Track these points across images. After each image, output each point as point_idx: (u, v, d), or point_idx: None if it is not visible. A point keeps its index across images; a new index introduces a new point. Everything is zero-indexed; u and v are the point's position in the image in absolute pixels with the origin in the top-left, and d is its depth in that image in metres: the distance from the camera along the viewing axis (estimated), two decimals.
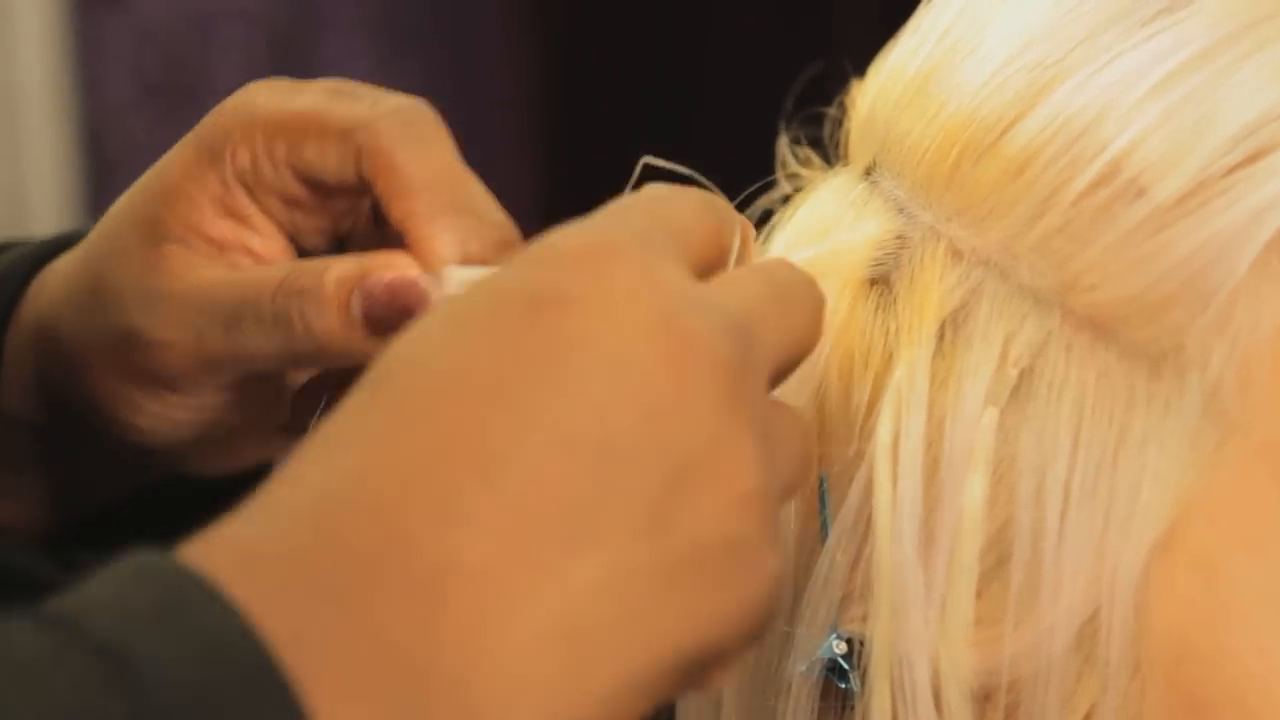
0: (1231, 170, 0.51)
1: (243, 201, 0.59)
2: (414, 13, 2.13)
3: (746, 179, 0.63)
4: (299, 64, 1.98)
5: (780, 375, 0.50)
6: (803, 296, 0.51)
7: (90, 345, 0.61)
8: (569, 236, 0.47)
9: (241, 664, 0.41)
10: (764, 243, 0.61)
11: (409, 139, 0.56)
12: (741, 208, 0.60)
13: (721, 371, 0.45)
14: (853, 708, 0.55)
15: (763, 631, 0.47)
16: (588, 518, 0.43)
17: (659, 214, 0.49)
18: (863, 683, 0.55)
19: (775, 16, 1.82)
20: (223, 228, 0.59)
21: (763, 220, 0.62)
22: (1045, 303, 0.53)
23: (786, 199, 0.63)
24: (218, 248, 0.59)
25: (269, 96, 0.59)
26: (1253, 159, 0.52)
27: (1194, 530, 0.51)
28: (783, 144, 0.63)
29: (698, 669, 0.45)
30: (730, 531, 0.45)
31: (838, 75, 0.63)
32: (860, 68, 0.62)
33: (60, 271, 0.64)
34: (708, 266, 0.50)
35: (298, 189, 0.59)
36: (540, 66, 2.09)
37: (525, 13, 2.10)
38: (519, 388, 0.44)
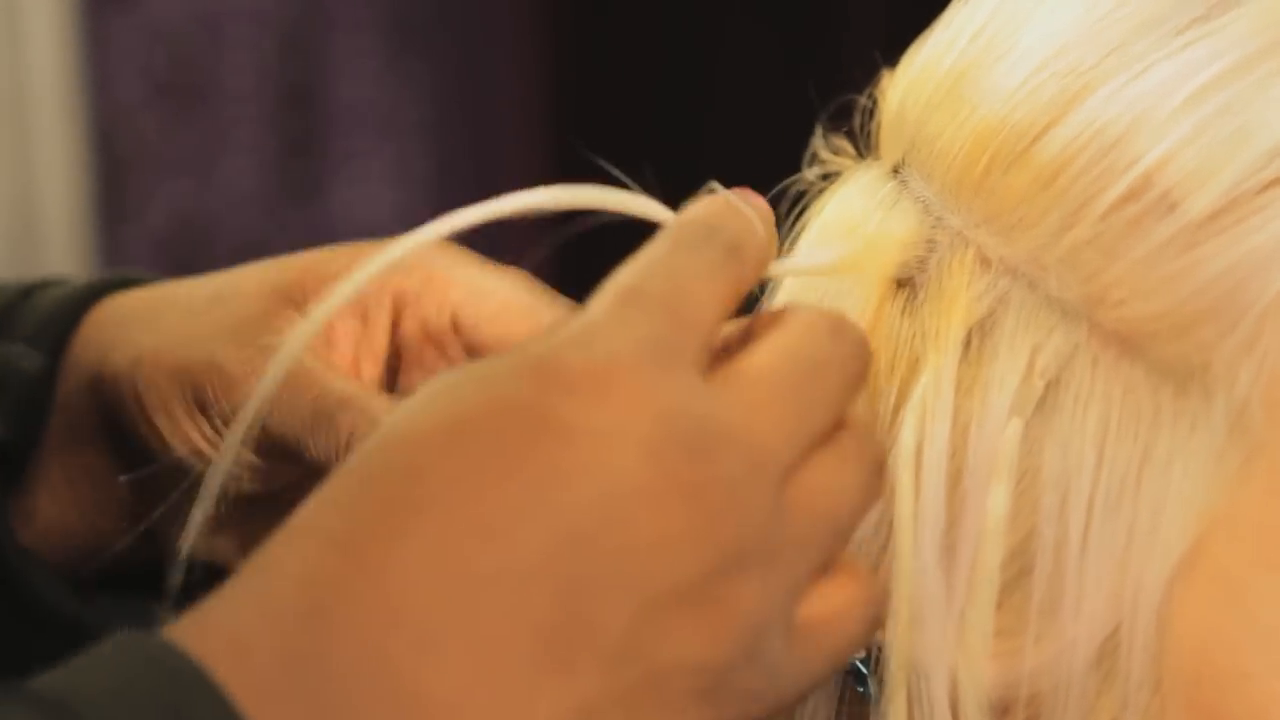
0: (1266, 187, 0.51)
1: (381, 315, 0.63)
2: (423, 13, 2.13)
3: (753, 176, 0.62)
4: (308, 64, 1.98)
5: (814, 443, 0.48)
6: (826, 356, 0.49)
7: (169, 347, 0.64)
8: (578, 350, 0.46)
9: None
10: (793, 236, 0.61)
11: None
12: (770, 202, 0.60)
13: (709, 500, 0.45)
14: (870, 713, 0.55)
15: None
16: (556, 650, 0.44)
17: (663, 293, 0.48)
18: (880, 688, 0.54)
19: (788, 17, 1.82)
20: (348, 327, 0.63)
21: (789, 209, 0.62)
22: (1073, 315, 0.53)
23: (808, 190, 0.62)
24: (330, 340, 0.63)
25: (460, 257, 0.63)
26: None
27: (1217, 549, 0.51)
28: (817, 133, 0.63)
29: None
30: (703, 661, 0.45)
31: (850, 82, 0.63)
32: (869, 65, 0.62)
33: (163, 299, 0.67)
34: (728, 316, 0.50)
35: (448, 339, 0.63)
36: (550, 67, 2.08)
37: (535, 13, 2.10)
38: (507, 515, 0.44)
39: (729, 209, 0.51)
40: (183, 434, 0.63)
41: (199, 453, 0.63)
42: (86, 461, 0.68)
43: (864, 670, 0.55)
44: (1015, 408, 0.53)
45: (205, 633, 0.44)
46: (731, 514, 0.46)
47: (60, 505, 0.69)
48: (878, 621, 0.49)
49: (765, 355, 0.49)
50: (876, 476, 0.49)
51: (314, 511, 0.46)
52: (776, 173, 0.63)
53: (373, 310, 0.64)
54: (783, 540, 0.47)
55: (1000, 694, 0.53)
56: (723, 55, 1.86)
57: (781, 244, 0.62)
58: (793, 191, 0.63)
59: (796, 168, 0.63)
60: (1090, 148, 0.53)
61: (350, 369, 0.63)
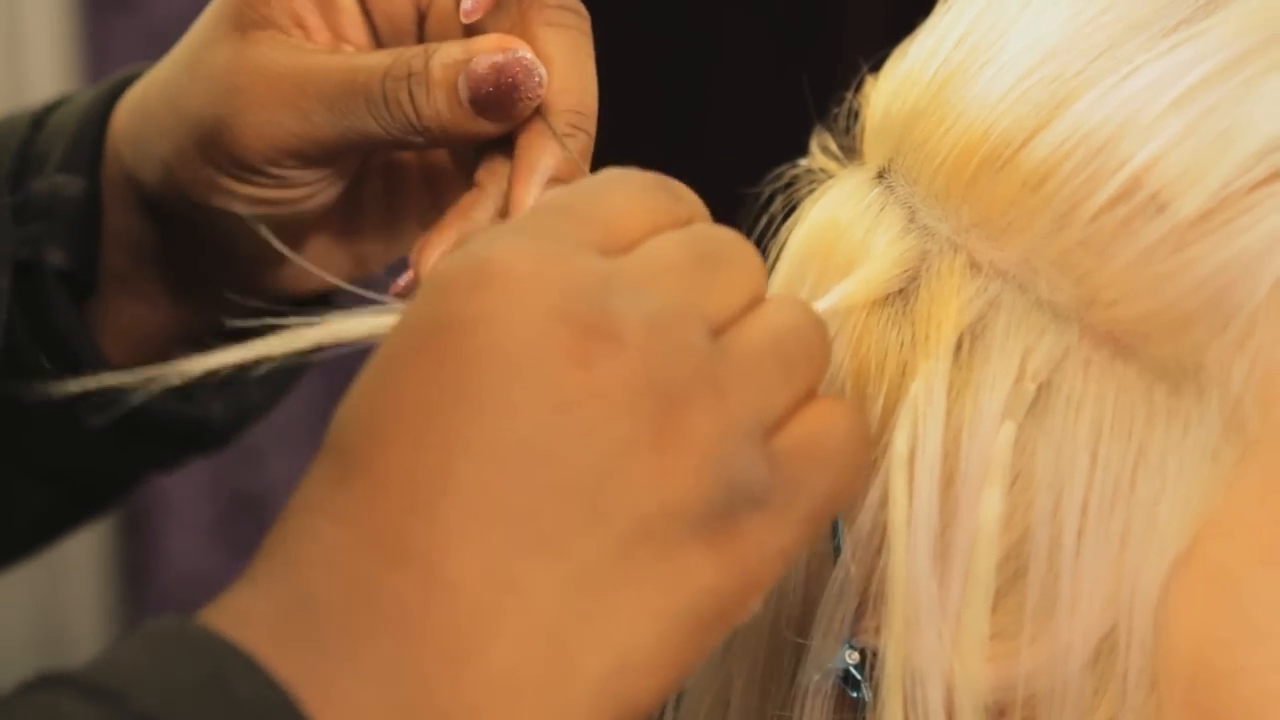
0: (1255, 187, 0.51)
1: None
2: None
3: (753, 176, 0.63)
4: None
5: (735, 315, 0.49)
6: (729, 252, 0.50)
7: (183, 141, 0.64)
8: (459, 259, 0.47)
9: None
10: (778, 243, 0.61)
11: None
12: (761, 201, 0.60)
13: (628, 346, 0.46)
14: (865, 719, 0.55)
15: (767, 580, 0.47)
16: (532, 526, 0.44)
17: (575, 202, 0.49)
18: (875, 694, 0.54)
19: (786, 17, 1.82)
20: (312, 10, 0.63)
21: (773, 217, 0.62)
22: (1064, 317, 0.53)
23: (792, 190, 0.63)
24: (306, 32, 0.63)
25: None
26: (1276, 175, 0.51)
27: (1213, 547, 0.51)
28: (814, 132, 0.63)
29: (706, 626, 0.46)
30: (679, 499, 0.45)
31: (846, 81, 0.63)
32: (868, 62, 0.62)
33: (153, 81, 0.67)
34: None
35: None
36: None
37: None
38: (440, 419, 0.45)
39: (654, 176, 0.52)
40: (248, 197, 0.64)
41: (269, 203, 0.64)
42: (150, 273, 0.70)
43: (858, 676, 0.55)
44: (1008, 411, 0.53)
45: (241, 621, 0.44)
46: (655, 355, 0.46)
47: (131, 313, 0.71)
48: (865, 434, 0.49)
49: (666, 239, 0.49)
50: (810, 315, 0.50)
51: (297, 501, 0.46)
52: (773, 173, 0.63)
53: None
54: (727, 372, 0.46)
55: (996, 696, 0.53)
56: (722, 57, 1.86)
57: (769, 245, 0.62)
58: (781, 187, 0.63)
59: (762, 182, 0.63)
60: (1079, 150, 0.53)
61: (332, 36, 0.64)
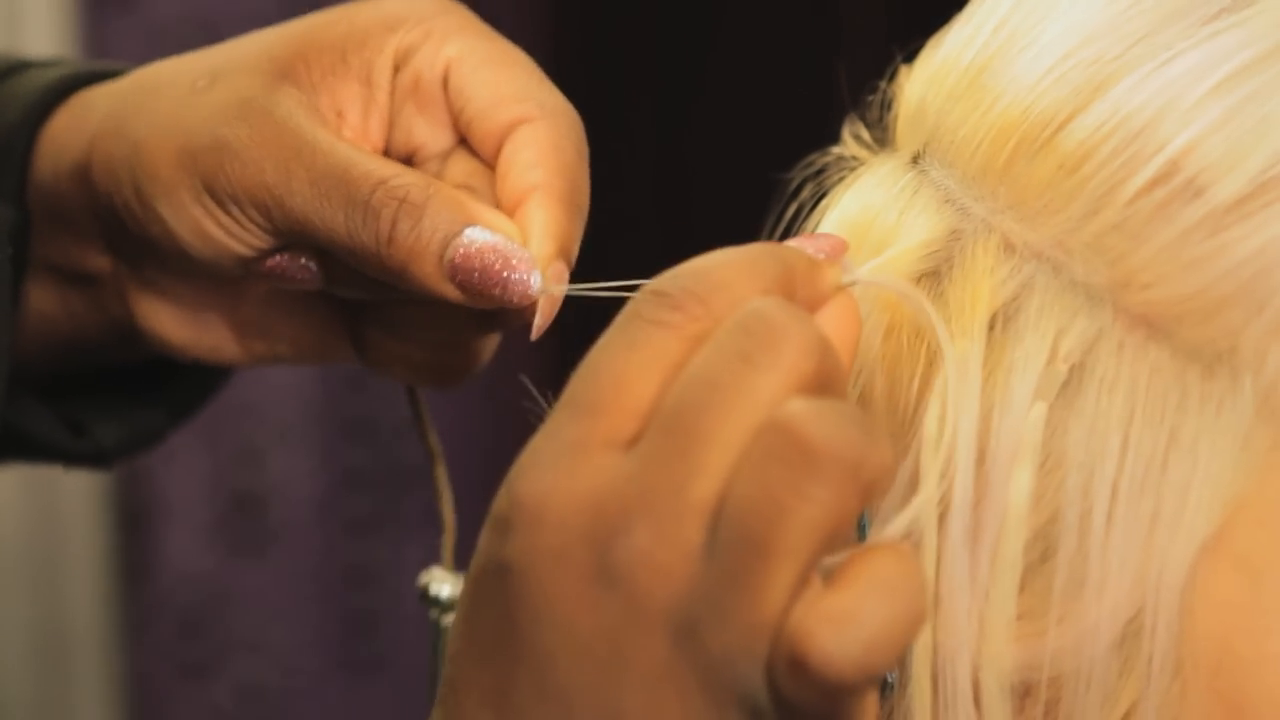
0: None
1: (384, 76, 0.62)
2: None
3: (752, 177, 0.63)
4: None
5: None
6: (709, 424, 0.48)
7: (171, 133, 0.62)
8: (500, 496, 0.49)
9: None
10: (811, 227, 0.61)
11: (565, 138, 0.60)
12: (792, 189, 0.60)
13: (621, 590, 0.47)
14: (891, 698, 0.55)
15: None
16: None
17: (583, 391, 0.49)
18: (901, 672, 0.54)
19: (789, 15, 1.82)
20: (354, 93, 0.62)
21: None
22: (1098, 299, 0.53)
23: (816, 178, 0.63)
24: (340, 121, 0.62)
25: (464, 20, 0.62)
26: None
27: (1242, 533, 0.51)
28: (848, 124, 0.63)
29: None
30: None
31: (848, 83, 0.63)
32: (869, 60, 0.62)
33: (168, 68, 0.65)
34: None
35: (437, 96, 0.61)
36: (552, 68, 2.09)
37: (537, 15, 2.10)
38: (494, 666, 0.48)
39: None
40: (191, 221, 0.62)
41: (208, 237, 0.62)
42: (75, 255, 0.67)
43: None
44: (1039, 392, 0.53)
45: None
46: (651, 593, 0.47)
47: (45, 303, 0.69)
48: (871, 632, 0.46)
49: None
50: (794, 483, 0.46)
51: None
52: (773, 174, 0.64)
53: (375, 72, 0.62)
54: (715, 584, 0.47)
55: (1022, 676, 0.53)
56: (722, 58, 1.86)
57: (799, 232, 0.62)
58: (811, 175, 0.63)
59: (794, 167, 0.63)
60: (1116, 134, 0.53)
61: (358, 136, 0.62)
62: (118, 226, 0.65)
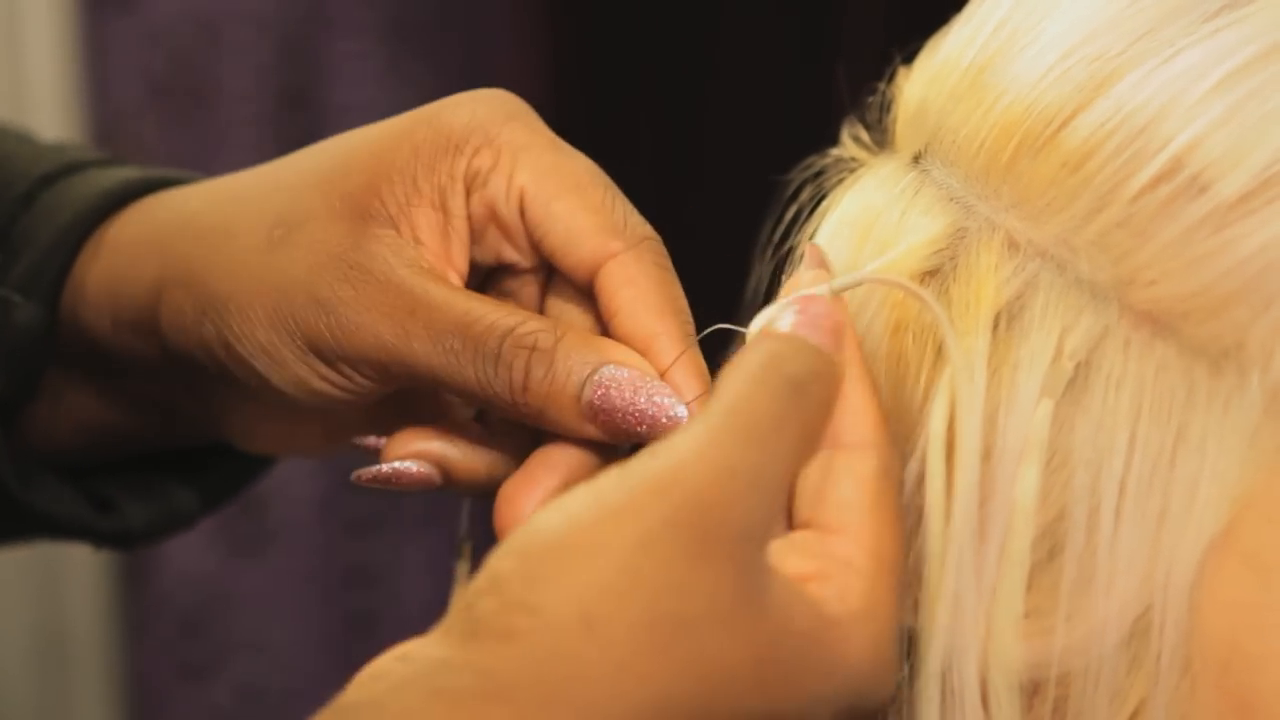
0: None
1: (459, 201, 0.60)
2: (423, 15, 2.13)
3: (752, 177, 0.63)
4: (307, 66, 1.98)
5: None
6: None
7: (256, 291, 0.61)
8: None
9: None
10: (811, 229, 0.61)
11: (658, 266, 0.59)
12: (788, 193, 0.61)
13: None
14: (899, 694, 0.55)
15: None
16: None
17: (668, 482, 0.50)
18: (910, 671, 0.54)
19: (786, 19, 1.82)
20: (431, 219, 0.60)
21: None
22: (1103, 297, 0.53)
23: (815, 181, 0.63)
24: (416, 238, 0.60)
25: (529, 133, 0.60)
26: None
27: (1250, 530, 0.51)
28: (847, 126, 0.63)
29: None
30: None
31: (846, 84, 0.63)
32: (869, 62, 0.62)
33: (206, 209, 0.64)
34: None
35: (517, 225, 0.60)
36: (550, 69, 2.09)
37: (534, 15, 2.10)
38: None
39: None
40: (295, 379, 0.61)
41: (315, 391, 0.61)
42: (134, 391, 0.68)
43: None
44: (1045, 389, 0.53)
45: None
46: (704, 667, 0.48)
47: (84, 403, 0.69)
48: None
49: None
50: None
51: None
52: (772, 175, 0.64)
53: (449, 198, 0.61)
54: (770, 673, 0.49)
55: (1030, 674, 0.53)
56: (722, 56, 1.86)
57: (798, 234, 0.62)
58: (810, 177, 0.63)
59: (793, 170, 0.64)
60: (1120, 131, 0.53)
61: (442, 263, 0.61)
62: (196, 370, 0.64)
